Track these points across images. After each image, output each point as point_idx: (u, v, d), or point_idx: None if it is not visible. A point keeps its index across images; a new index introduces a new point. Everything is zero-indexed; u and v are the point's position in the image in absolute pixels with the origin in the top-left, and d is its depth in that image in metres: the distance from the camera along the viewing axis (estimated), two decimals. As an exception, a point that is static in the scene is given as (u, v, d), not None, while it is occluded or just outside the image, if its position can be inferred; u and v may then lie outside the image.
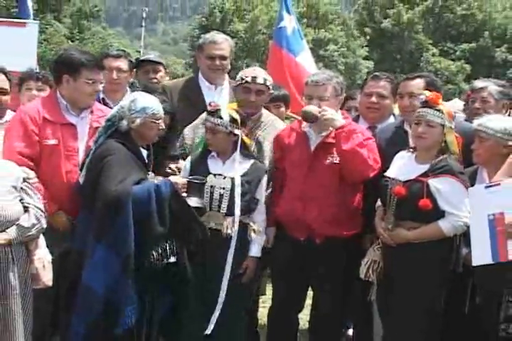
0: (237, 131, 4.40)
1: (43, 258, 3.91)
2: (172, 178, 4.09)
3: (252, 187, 4.42)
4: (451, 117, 4.14)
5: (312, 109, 4.41)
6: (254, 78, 4.67)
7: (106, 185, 3.86)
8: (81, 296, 3.92)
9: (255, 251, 4.46)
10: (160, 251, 4.01)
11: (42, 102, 4.46)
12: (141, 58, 5.94)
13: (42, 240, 3.94)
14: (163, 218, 3.93)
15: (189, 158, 4.53)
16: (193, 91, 5.28)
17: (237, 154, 4.42)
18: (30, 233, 3.80)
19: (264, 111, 4.83)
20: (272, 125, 4.80)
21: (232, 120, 4.36)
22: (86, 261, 3.93)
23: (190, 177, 4.19)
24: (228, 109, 4.40)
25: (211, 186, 4.35)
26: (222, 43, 5.34)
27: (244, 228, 4.38)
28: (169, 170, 4.52)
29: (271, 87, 4.76)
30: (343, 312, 4.74)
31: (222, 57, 5.28)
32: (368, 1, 50.03)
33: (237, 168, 4.39)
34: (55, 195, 4.25)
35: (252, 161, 4.49)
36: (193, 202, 4.08)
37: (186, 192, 4.08)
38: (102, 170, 3.91)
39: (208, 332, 4.28)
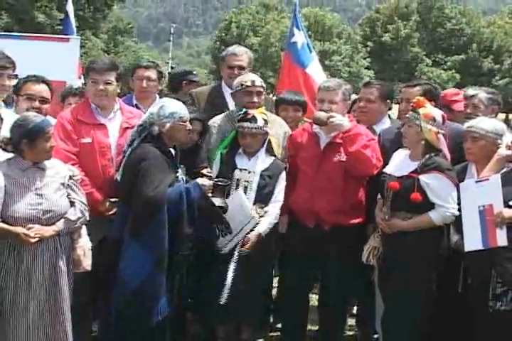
0: (268, 131, 4.46)
1: (84, 246, 3.92)
2: (199, 180, 4.06)
3: (273, 181, 4.44)
4: (430, 118, 4.10)
5: (322, 115, 4.43)
6: (253, 82, 4.69)
7: (144, 190, 3.81)
8: (116, 286, 3.91)
9: (261, 228, 4.37)
10: (187, 248, 4.00)
11: (76, 107, 4.56)
12: (190, 79, 6.22)
13: (83, 229, 3.96)
14: (192, 219, 3.94)
15: (218, 156, 4.54)
16: (217, 97, 5.30)
17: (262, 151, 4.47)
18: (75, 225, 3.83)
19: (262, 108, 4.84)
20: (272, 121, 4.78)
21: (264, 122, 4.42)
22: (121, 254, 3.91)
23: (216, 179, 4.18)
24: (258, 114, 4.44)
25: (237, 179, 4.38)
26: (242, 55, 5.34)
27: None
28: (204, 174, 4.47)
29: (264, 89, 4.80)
30: (349, 292, 4.73)
31: (241, 67, 5.28)
32: (371, 17, 50.04)
33: (259, 163, 4.44)
34: (94, 186, 4.31)
35: (273, 158, 4.52)
36: (218, 202, 4.08)
37: (212, 192, 4.07)
38: (140, 174, 3.87)
39: (222, 302, 4.24)
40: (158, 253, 3.83)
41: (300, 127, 4.84)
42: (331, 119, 4.37)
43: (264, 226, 4.37)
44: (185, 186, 3.97)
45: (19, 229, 3.59)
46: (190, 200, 3.91)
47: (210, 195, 4.04)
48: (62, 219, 3.75)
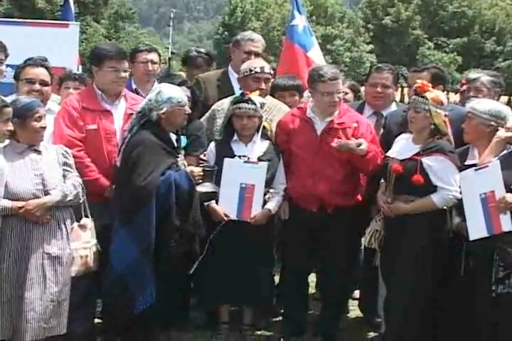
0: (262, 115, 4.46)
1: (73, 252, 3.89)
2: (188, 169, 4.07)
3: (275, 163, 4.45)
4: (438, 102, 4.08)
5: (351, 143, 4.33)
6: (262, 68, 4.71)
7: (135, 179, 3.84)
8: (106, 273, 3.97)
9: (271, 205, 4.44)
10: (176, 239, 3.99)
11: (81, 94, 4.54)
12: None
13: (83, 234, 3.95)
14: (181, 209, 3.93)
15: (212, 144, 4.51)
16: (224, 82, 5.30)
17: (258, 136, 4.45)
18: (70, 198, 3.80)
19: (267, 96, 4.81)
20: (278, 109, 4.78)
21: (260, 105, 4.40)
22: (111, 239, 3.96)
23: (202, 165, 4.17)
24: (255, 97, 4.42)
25: None
26: (258, 42, 5.36)
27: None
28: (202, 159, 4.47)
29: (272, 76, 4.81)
30: (350, 276, 4.73)
31: (257, 54, 5.28)
32: (371, 0, 49.72)
33: (256, 148, 4.43)
34: (100, 172, 4.32)
35: (268, 142, 4.51)
36: (208, 187, 4.09)
37: (201, 179, 4.08)
38: (133, 161, 3.90)
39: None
40: (144, 242, 3.86)
41: (288, 113, 4.73)
42: (360, 148, 4.30)
43: (273, 203, 4.43)
44: (175, 177, 3.93)
45: (20, 204, 3.62)
46: (179, 192, 3.91)
47: (200, 181, 4.06)
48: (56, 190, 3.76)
